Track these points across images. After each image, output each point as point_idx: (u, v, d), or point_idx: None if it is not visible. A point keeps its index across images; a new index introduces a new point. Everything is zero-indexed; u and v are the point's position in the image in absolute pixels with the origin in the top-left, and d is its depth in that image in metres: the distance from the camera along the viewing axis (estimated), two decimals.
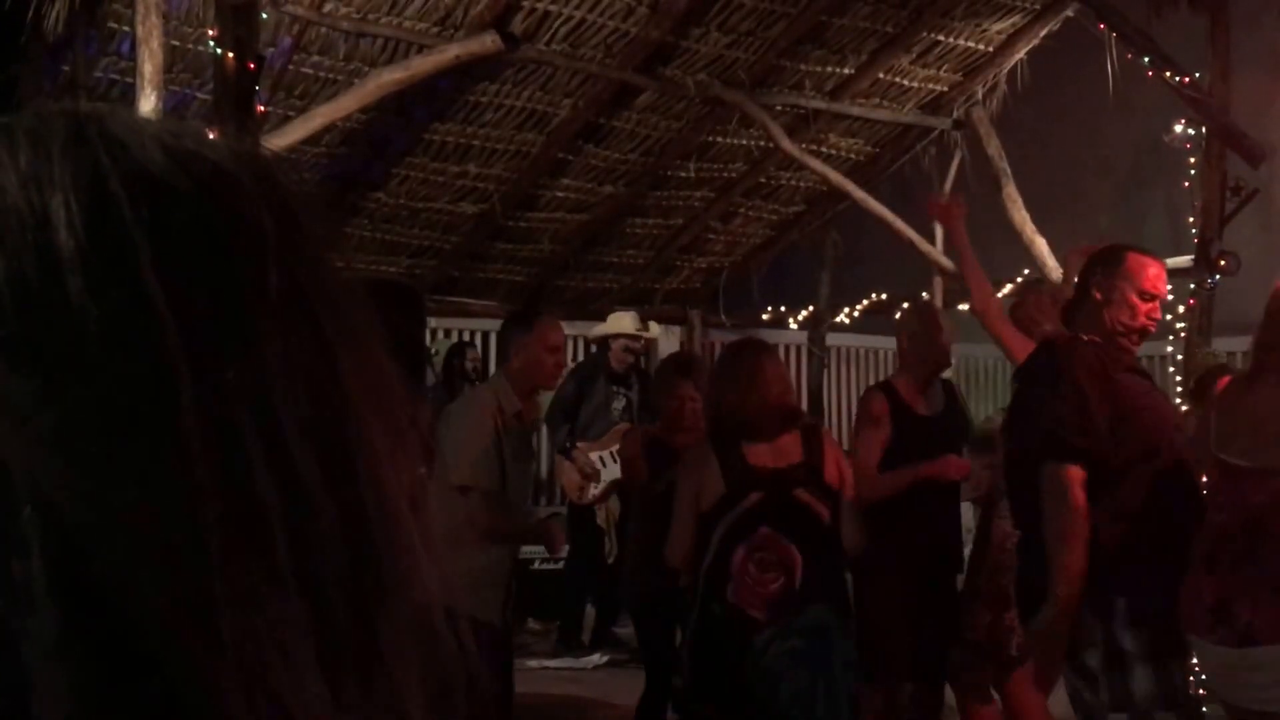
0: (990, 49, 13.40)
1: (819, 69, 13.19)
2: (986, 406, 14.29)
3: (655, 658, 8.27)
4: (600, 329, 12.53)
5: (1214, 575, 5.51)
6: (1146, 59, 10.85)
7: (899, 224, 13.93)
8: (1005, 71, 13.70)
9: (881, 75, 13.51)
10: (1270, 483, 5.39)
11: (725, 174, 14.62)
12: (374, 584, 0.77)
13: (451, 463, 6.95)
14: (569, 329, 12.75)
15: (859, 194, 14.00)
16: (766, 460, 6.64)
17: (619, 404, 11.80)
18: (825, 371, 16.59)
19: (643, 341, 12.62)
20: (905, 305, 9.82)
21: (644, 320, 12.79)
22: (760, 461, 6.63)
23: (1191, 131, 11.05)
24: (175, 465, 0.70)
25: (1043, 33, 13.11)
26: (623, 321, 12.37)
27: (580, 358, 14.27)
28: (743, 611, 6.49)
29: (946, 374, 8.69)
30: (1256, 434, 5.50)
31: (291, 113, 11.12)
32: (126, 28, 9.71)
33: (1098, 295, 6.06)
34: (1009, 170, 13.39)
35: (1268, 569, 5.36)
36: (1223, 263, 10.72)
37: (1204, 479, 5.94)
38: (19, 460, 0.68)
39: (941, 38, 13.09)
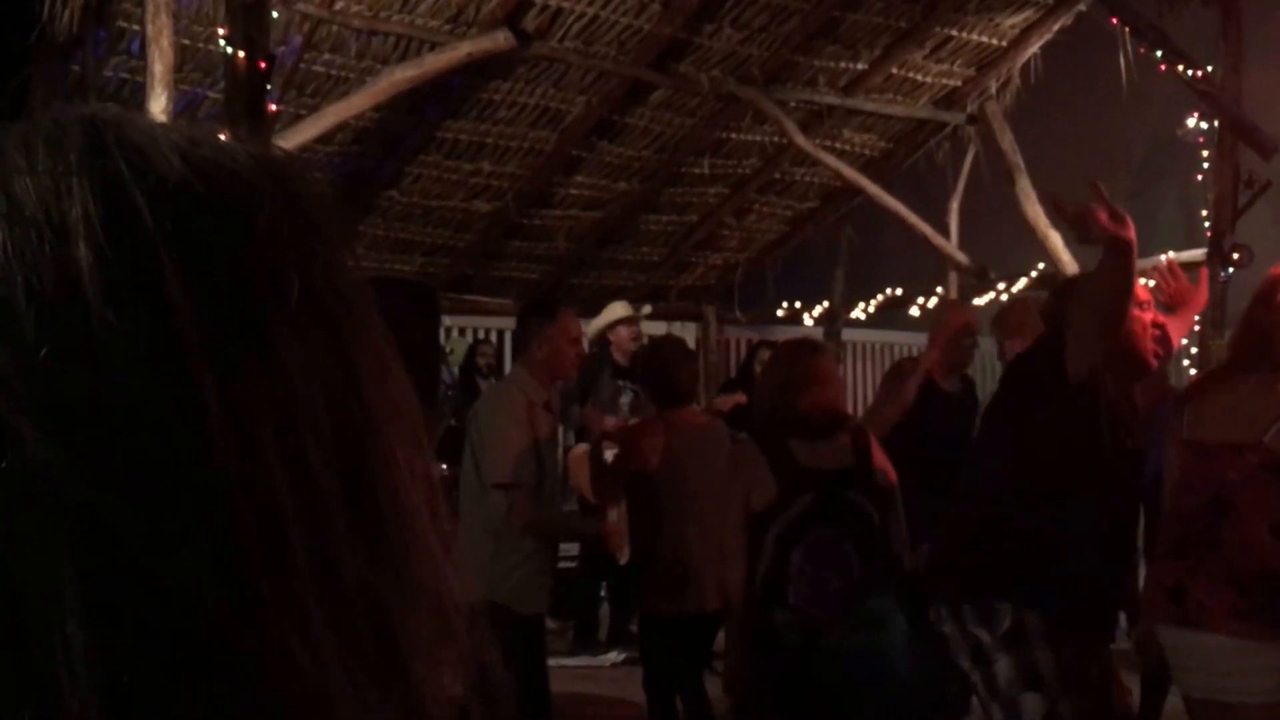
0: (1003, 43, 13.40)
1: (832, 64, 13.20)
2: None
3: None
4: (595, 323, 12.50)
5: (1173, 559, 5.52)
6: (1159, 53, 10.84)
7: (913, 219, 13.95)
8: (1019, 66, 13.69)
9: (895, 70, 13.52)
10: (1241, 459, 5.39)
11: (739, 170, 14.64)
12: (393, 590, 0.77)
13: (488, 462, 7.01)
14: (584, 327, 12.78)
15: (873, 189, 14.02)
16: (818, 461, 6.58)
17: (626, 398, 11.76)
18: (841, 367, 16.59)
19: (640, 326, 12.58)
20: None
21: (635, 309, 12.75)
22: (812, 462, 6.56)
23: (1204, 125, 11.05)
24: (202, 478, 0.70)
25: (1055, 27, 13.11)
26: (615, 310, 12.35)
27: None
28: (806, 614, 6.43)
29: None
30: (1230, 415, 5.50)
31: (303, 111, 11.14)
32: (136, 27, 9.72)
33: None
34: (1023, 164, 13.40)
35: (1225, 553, 5.36)
36: (1236, 255, 10.72)
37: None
38: (43, 477, 0.68)
39: (955, 32, 13.09)
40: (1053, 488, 5.62)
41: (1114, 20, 11.52)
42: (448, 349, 13.30)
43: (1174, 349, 6.02)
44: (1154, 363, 5.74)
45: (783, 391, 6.65)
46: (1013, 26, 13.17)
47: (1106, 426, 5.59)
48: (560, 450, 7.48)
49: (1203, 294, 6.30)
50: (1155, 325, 5.76)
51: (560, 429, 7.62)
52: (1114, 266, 5.27)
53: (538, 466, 7.10)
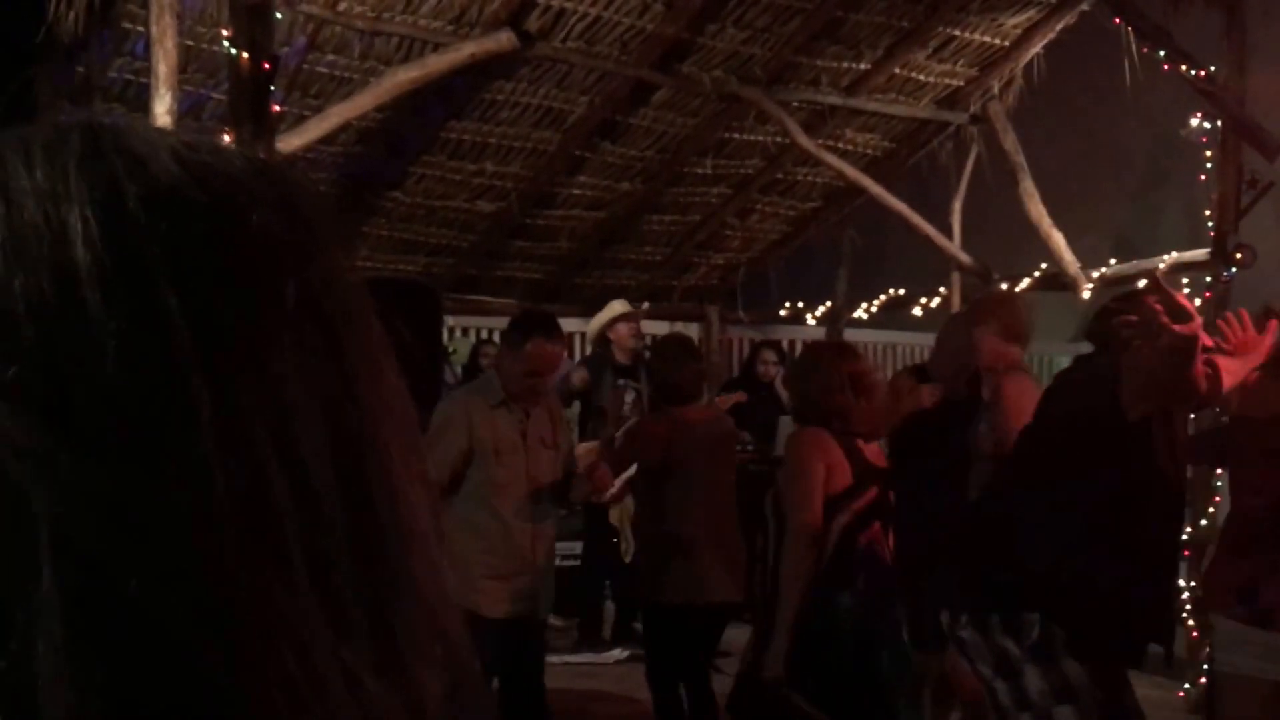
0: (1006, 43, 13.38)
1: (835, 64, 13.19)
2: None
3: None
4: (594, 322, 12.53)
5: (1241, 557, 5.53)
6: (1162, 53, 10.84)
7: (916, 219, 13.94)
8: (1021, 66, 13.67)
9: (898, 70, 13.50)
10: None
11: (742, 170, 14.62)
12: (390, 590, 0.78)
13: None
14: (586, 326, 12.79)
15: (876, 189, 14.01)
16: (873, 459, 6.84)
17: (629, 397, 11.78)
18: None
19: (639, 324, 12.60)
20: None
21: (635, 307, 12.77)
22: (872, 459, 6.83)
23: (1207, 125, 11.04)
24: (195, 482, 0.71)
25: (1059, 27, 13.08)
26: (613, 308, 12.37)
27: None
28: (872, 599, 6.55)
29: None
30: None
31: (307, 112, 11.13)
32: (141, 28, 9.72)
33: None
34: (1025, 165, 13.38)
35: None
36: (1239, 256, 10.72)
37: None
38: (33, 481, 0.68)
39: (957, 32, 13.07)
40: (1095, 510, 5.60)
41: (1117, 20, 11.51)
42: (451, 349, 13.31)
43: (1226, 389, 6.00)
44: (1204, 386, 5.73)
45: (840, 394, 6.74)
46: (1015, 26, 13.15)
47: (1155, 457, 5.61)
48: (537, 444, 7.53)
49: (1267, 342, 6.20)
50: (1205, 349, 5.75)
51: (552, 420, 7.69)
52: (1173, 359, 5.26)
53: (481, 465, 7.22)
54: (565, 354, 9.38)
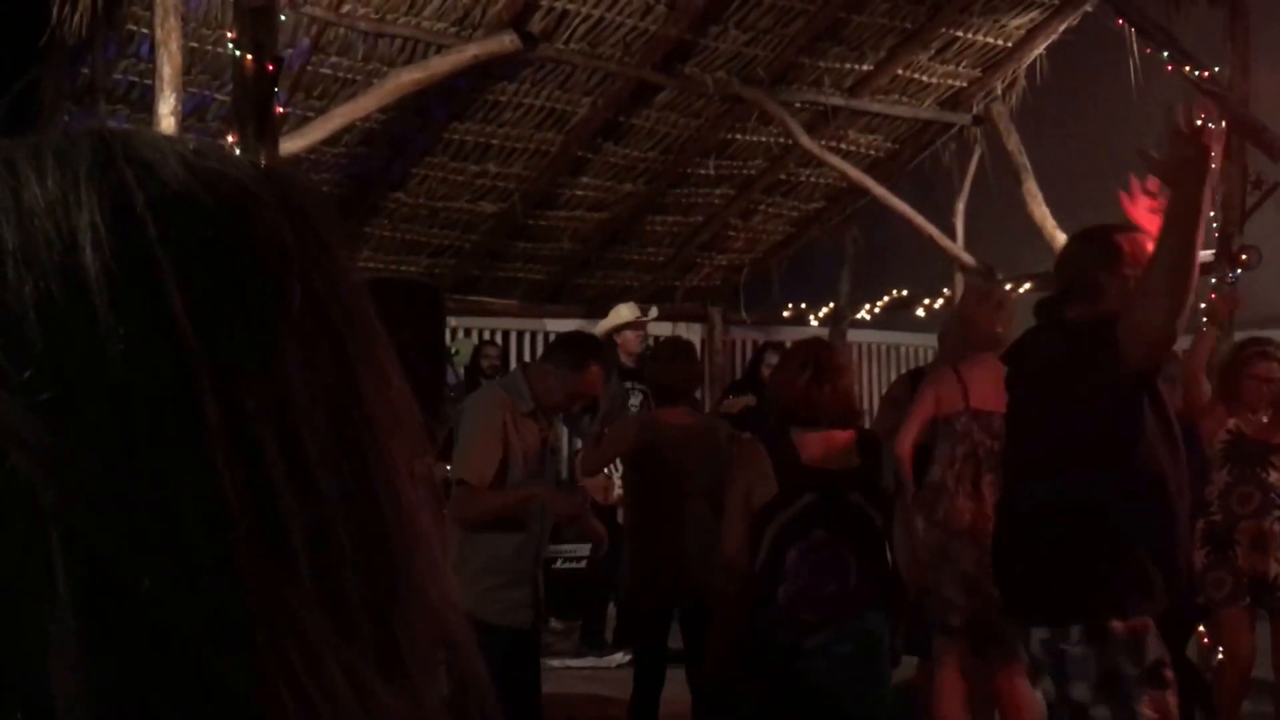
0: (1009, 44, 13.39)
1: (838, 65, 13.19)
2: None
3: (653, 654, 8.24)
4: (601, 326, 12.51)
5: None
6: (1165, 54, 10.84)
7: (919, 220, 13.94)
8: (1024, 67, 13.69)
9: (900, 71, 13.50)
10: None
11: (745, 171, 14.63)
12: (392, 593, 0.79)
13: (458, 456, 6.94)
14: (589, 327, 12.79)
15: (879, 190, 14.01)
16: (822, 460, 6.49)
17: (635, 399, 11.78)
18: None
19: (645, 329, 12.60)
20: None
21: (643, 310, 12.77)
22: (814, 461, 6.48)
23: (1211, 125, 11.04)
24: (202, 483, 0.71)
25: (1061, 28, 13.09)
26: (621, 313, 12.37)
27: None
28: (795, 613, 6.38)
29: None
30: None
31: (310, 113, 11.14)
32: (145, 30, 9.74)
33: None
34: (1029, 165, 13.39)
35: None
36: (1244, 256, 10.71)
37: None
38: (44, 483, 0.69)
39: (960, 33, 13.08)
40: (1159, 496, 5.37)
41: (1120, 21, 11.51)
42: (453, 350, 13.30)
43: None
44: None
45: (798, 378, 6.63)
46: (1018, 27, 13.16)
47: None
48: (564, 457, 7.46)
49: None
50: None
51: (565, 435, 7.60)
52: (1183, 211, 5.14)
53: (512, 472, 7.07)
54: None
